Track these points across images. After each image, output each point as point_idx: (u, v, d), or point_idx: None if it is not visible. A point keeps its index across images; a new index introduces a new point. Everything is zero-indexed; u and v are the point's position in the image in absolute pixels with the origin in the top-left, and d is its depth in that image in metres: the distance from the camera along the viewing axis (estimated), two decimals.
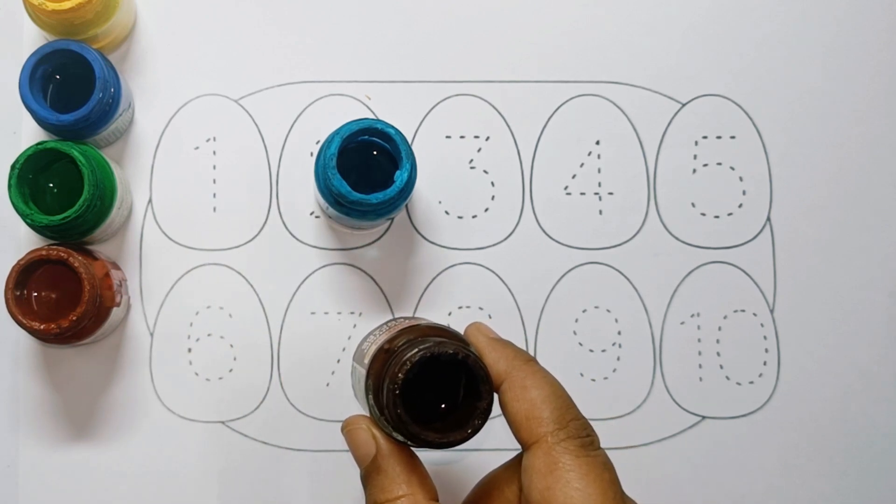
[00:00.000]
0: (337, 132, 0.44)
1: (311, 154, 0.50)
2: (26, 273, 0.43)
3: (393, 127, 0.44)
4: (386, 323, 0.41)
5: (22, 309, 0.43)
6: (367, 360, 0.38)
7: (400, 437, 0.35)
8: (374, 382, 0.36)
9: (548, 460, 0.35)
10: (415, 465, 0.36)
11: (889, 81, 0.52)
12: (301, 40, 0.51)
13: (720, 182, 0.51)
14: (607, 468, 0.35)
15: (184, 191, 0.50)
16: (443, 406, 0.37)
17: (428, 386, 0.36)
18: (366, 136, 0.44)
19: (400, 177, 0.43)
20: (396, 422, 0.34)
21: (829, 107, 0.51)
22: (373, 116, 0.50)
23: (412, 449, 0.36)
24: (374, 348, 0.38)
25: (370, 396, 0.36)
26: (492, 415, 0.35)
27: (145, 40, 0.50)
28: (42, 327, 0.43)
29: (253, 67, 0.50)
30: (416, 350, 0.34)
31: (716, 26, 0.52)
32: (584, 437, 0.35)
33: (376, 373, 0.36)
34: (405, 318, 0.40)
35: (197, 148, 0.50)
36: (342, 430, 0.38)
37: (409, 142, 0.50)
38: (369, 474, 0.36)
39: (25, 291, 0.44)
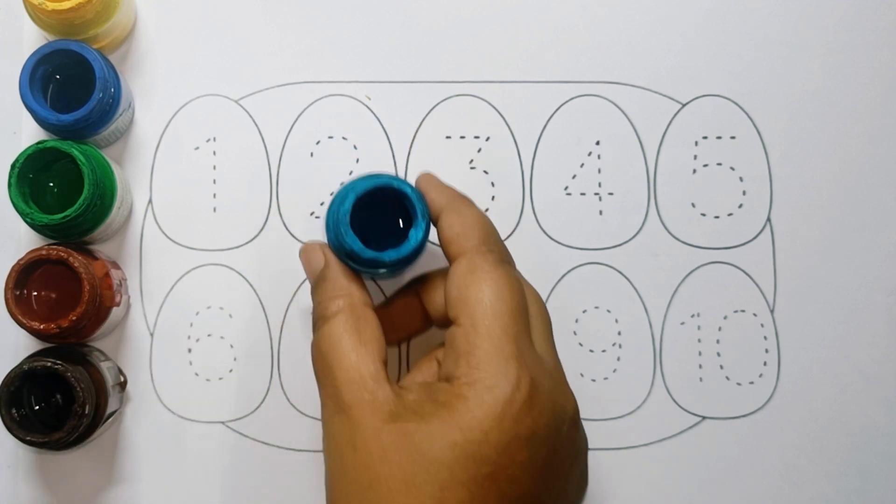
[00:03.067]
0: (351, 188, 0.41)
1: (311, 154, 0.50)
2: (26, 273, 0.43)
3: (409, 185, 0.41)
4: None
5: (22, 309, 0.43)
6: None
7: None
8: None
9: (470, 265, 0.39)
10: (355, 277, 0.41)
11: (889, 81, 0.52)
12: (301, 40, 0.51)
13: (720, 182, 0.51)
14: (520, 282, 0.40)
15: (184, 191, 0.50)
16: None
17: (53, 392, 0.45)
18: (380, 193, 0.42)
19: (415, 235, 0.41)
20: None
21: (829, 107, 0.51)
22: (374, 118, 0.50)
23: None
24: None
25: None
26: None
27: (145, 40, 0.50)
28: (42, 327, 0.43)
29: (253, 67, 0.50)
30: (13, 367, 0.42)
31: (716, 26, 0.52)
32: (505, 255, 0.41)
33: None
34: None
35: (197, 148, 0.50)
36: (300, 253, 0.43)
37: (409, 142, 0.50)
38: (317, 283, 0.41)
39: (25, 291, 0.44)
